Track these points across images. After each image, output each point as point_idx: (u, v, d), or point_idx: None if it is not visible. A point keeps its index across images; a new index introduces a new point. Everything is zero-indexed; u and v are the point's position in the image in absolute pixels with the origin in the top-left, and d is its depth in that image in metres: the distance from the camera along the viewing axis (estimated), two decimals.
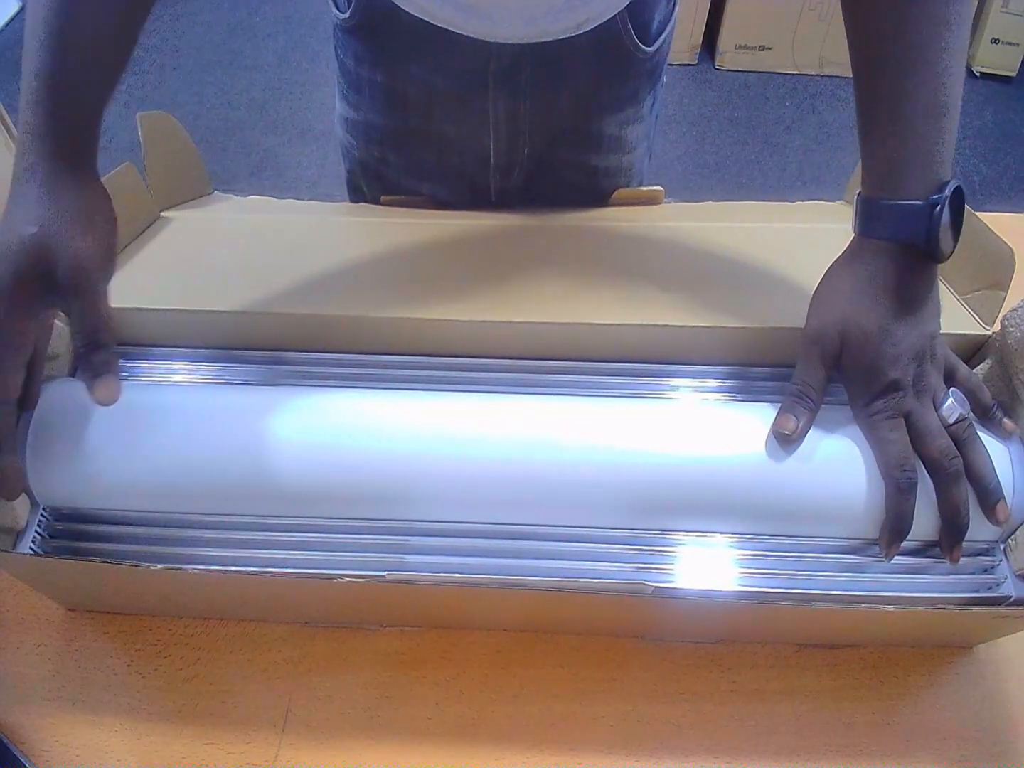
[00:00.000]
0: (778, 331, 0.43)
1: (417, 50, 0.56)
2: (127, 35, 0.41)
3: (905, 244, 0.39)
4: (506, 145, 0.61)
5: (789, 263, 0.51)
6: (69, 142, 0.39)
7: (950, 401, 0.39)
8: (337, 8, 0.59)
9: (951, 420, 0.39)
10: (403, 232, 0.56)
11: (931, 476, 0.39)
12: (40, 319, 0.38)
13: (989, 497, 0.39)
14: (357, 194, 0.71)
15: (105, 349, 0.38)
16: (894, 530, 0.39)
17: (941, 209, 0.38)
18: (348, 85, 0.63)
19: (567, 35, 0.52)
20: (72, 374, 0.46)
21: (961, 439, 0.39)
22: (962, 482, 0.39)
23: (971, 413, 0.40)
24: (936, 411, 0.39)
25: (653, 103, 0.65)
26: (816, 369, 0.41)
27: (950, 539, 0.39)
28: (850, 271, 0.42)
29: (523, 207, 0.60)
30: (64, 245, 0.37)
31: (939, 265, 0.40)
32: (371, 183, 0.68)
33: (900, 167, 0.40)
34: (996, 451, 0.41)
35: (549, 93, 0.58)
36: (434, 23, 0.52)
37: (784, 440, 0.40)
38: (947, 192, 0.38)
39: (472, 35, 0.52)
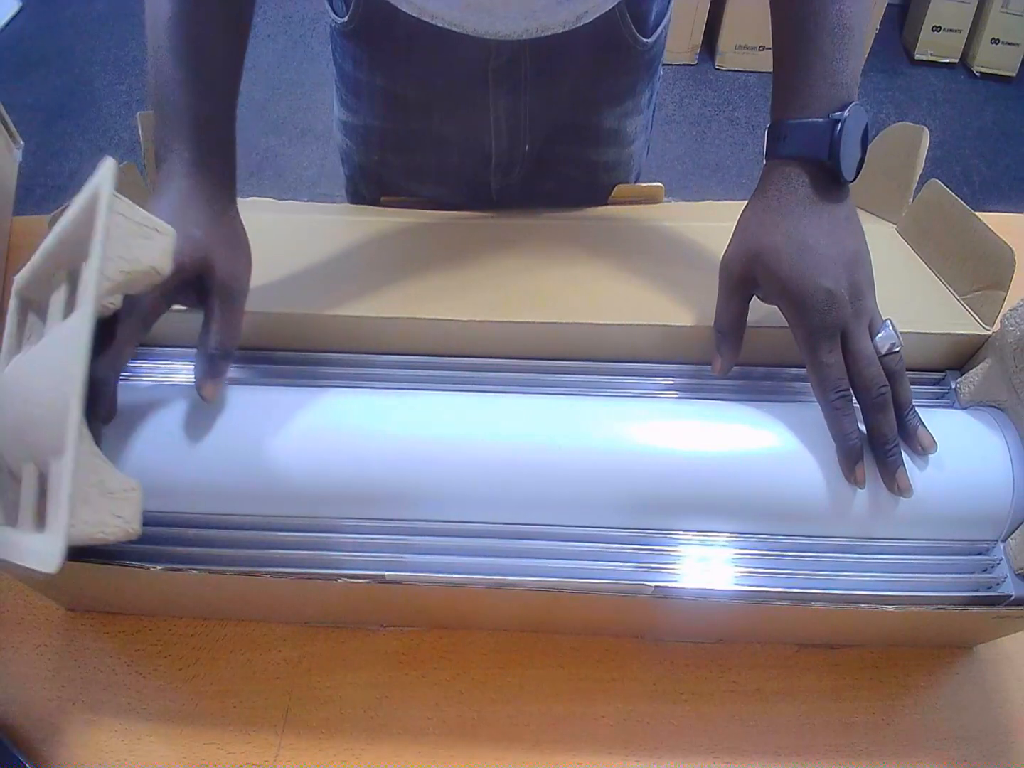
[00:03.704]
0: (778, 330, 0.43)
1: (416, 51, 0.56)
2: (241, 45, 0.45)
3: (809, 161, 0.41)
4: (507, 142, 0.61)
5: None
6: (222, 158, 0.43)
7: (887, 331, 0.39)
8: (335, 12, 0.58)
9: (884, 350, 0.39)
10: (403, 232, 0.56)
11: (858, 400, 0.39)
12: (157, 317, 0.40)
13: (909, 427, 0.40)
14: (357, 199, 0.71)
15: (230, 358, 0.41)
16: (845, 452, 0.39)
17: (843, 126, 0.39)
18: (347, 89, 0.63)
19: (567, 28, 0.52)
20: None
21: (891, 371, 0.39)
22: (889, 411, 0.39)
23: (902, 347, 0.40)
24: (871, 339, 0.39)
25: (651, 96, 0.65)
26: (727, 301, 0.43)
27: (881, 463, 0.39)
28: (759, 196, 0.42)
29: (524, 205, 0.60)
30: (224, 256, 0.41)
31: (850, 186, 0.41)
32: (371, 187, 0.68)
33: (804, 87, 0.41)
34: (996, 448, 0.41)
35: (549, 88, 0.58)
36: (433, 23, 0.52)
37: (717, 376, 0.43)
38: (848, 112, 0.39)
39: (471, 33, 0.52)
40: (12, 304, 0.39)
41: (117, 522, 0.29)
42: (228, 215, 0.44)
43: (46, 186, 1.71)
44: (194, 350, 0.48)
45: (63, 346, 0.31)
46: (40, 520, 0.31)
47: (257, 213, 0.58)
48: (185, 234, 0.38)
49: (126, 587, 0.43)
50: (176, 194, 0.41)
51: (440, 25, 0.52)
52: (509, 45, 0.53)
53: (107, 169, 0.29)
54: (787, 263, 0.39)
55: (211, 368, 0.40)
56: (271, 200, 0.61)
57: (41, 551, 0.27)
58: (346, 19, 0.57)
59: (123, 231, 0.29)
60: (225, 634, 0.46)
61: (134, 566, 0.37)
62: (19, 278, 0.39)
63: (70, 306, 0.35)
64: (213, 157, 0.43)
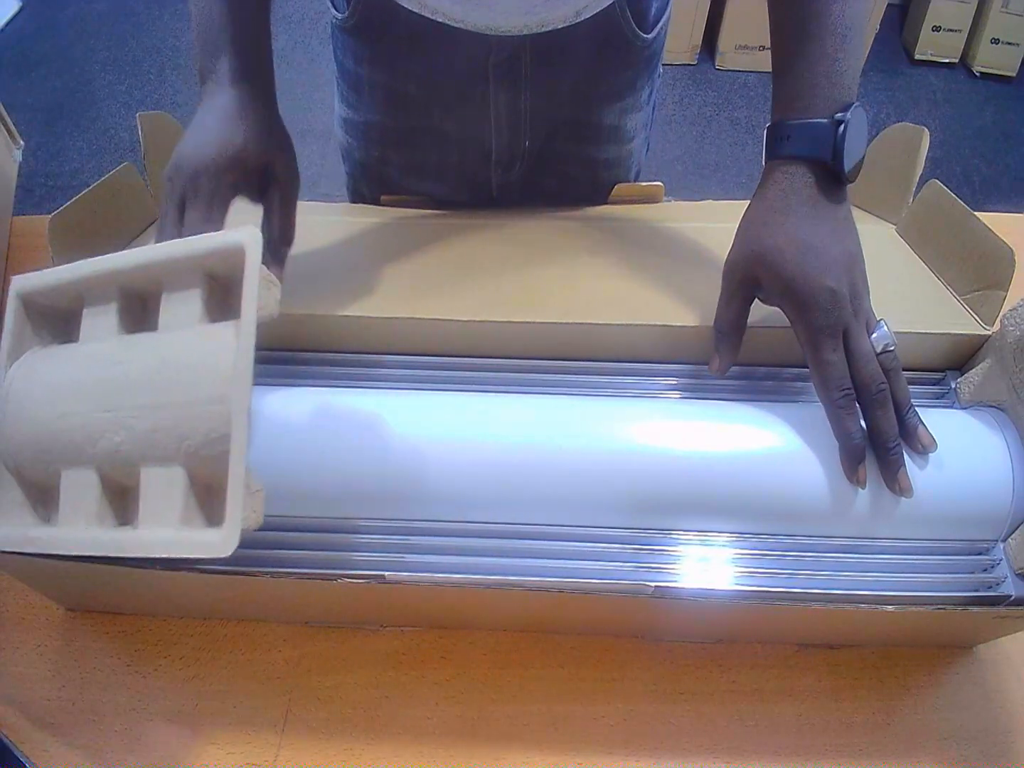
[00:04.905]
0: (779, 330, 0.43)
1: (416, 47, 0.56)
2: None
3: (812, 162, 0.41)
4: (507, 138, 0.61)
5: None
6: (262, 69, 0.46)
7: (882, 331, 0.40)
8: (335, 8, 0.59)
9: (879, 349, 0.40)
10: (403, 232, 0.56)
11: (858, 398, 0.39)
12: (228, 205, 0.43)
13: (909, 425, 0.40)
14: (358, 197, 0.71)
15: (289, 247, 0.46)
16: (848, 451, 0.39)
17: (846, 127, 0.39)
18: (347, 86, 0.63)
19: (567, 23, 0.52)
20: None
21: (888, 369, 0.40)
22: (889, 408, 0.39)
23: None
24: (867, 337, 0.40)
25: (651, 93, 0.65)
26: (728, 301, 0.43)
27: (882, 462, 0.39)
28: (761, 197, 0.43)
29: (524, 202, 0.60)
30: (280, 155, 0.45)
31: (850, 186, 0.41)
32: (372, 184, 0.68)
33: (807, 88, 0.41)
34: (996, 448, 0.41)
35: (549, 83, 0.58)
36: (433, 18, 0.52)
37: (714, 375, 0.44)
38: (851, 113, 0.40)
39: (471, 28, 0.52)
40: (13, 305, 0.39)
41: (253, 515, 0.33)
42: (276, 120, 0.46)
43: (46, 186, 1.71)
44: None
45: (191, 371, 0.35)
46: (186, 516, 0.35)
47: None
48: (245, 134, 0.43)
49: (126, 587, 0.43)
50: (227, 102, 0.44)
51: (440, 20, 0.52)
52: (509, 41, 0.53)
53: (253, 236, 0.34)
54: (791, 263, 0.39)
55: (274, 255, 0.44)
56: None
57: (210, 542, 0.33)
58: (346, 15, 0.57)
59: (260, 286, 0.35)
60: (225, 634, 0.46)
61: (134, 566, 0.37)
62: (25, 282, 0.39)
63: (129, 322, 0.38)
64: (254, 69, 0.45)
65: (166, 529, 0.34)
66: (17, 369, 0.39)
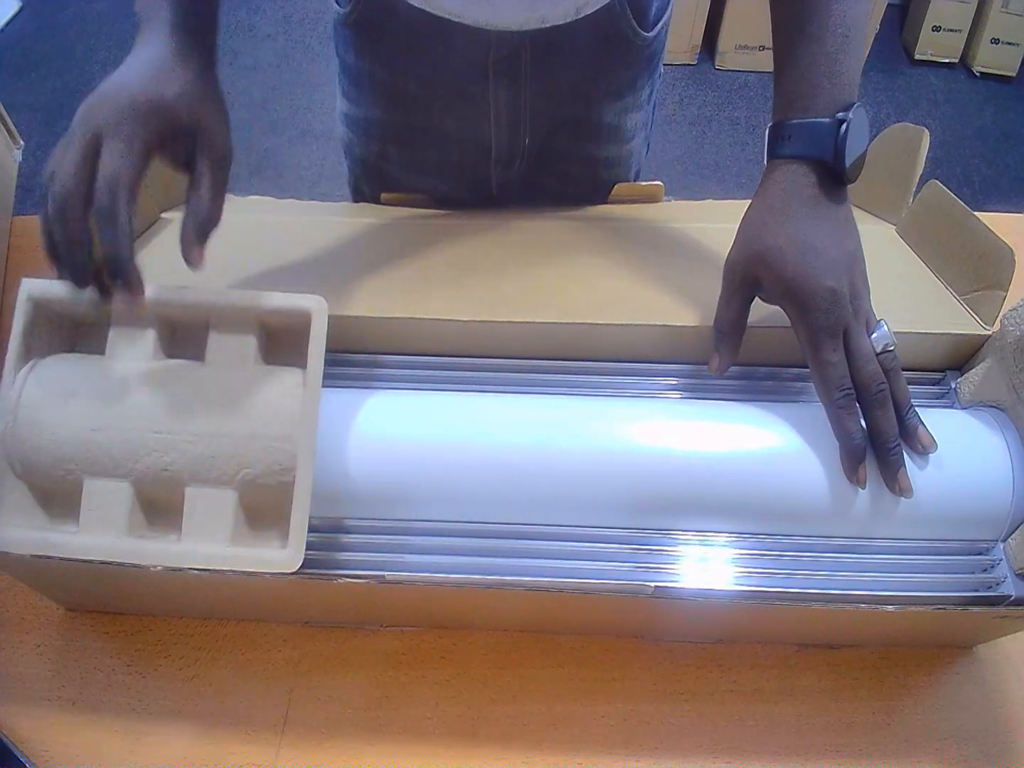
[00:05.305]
0: (779, 330, 0.43)
1: (417, 43, 0.56)
2: None
3: (813, 162, 0.41)
4: (507, 136, 0.61)
5: None
6: (204, 20, 0.43)
7: (882, 331, 0.40)
8: (337, 3, 0.59)
9: (879, 349, 0.40)
10: (403, 232, 0.56)
11: (858, 398, 0.39)
12: (151, 156, 0.38)
13: (909, 426, 0.40)
14: (359, 195, 0.71)
15: (217, 224, 0.39)
16: (848, 451, 0.39)
17: (847, 127, 0.39)
18: (348, 81, 0.63)
19: (567, 20, 0.52)
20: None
21: (887, 369, 0.40)
22: (889, 408, 0.39)
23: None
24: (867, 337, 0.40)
25: (651, 92, 0.65)
26: (728, 301, 0.43)
27: (882, 463, 0.39)
28: (761, 197, 0.43)
29: (524, 200, 0.60)
30: (214, 117, 0.40)
31: (850, 186, 0.41)
32: (372, 180, 0.68)
33: (808, 88, 0.41)
34: (996, 448, 0.41)
35: (549, 81, 0.58)
36: (434, 13, 0.52)
37: (714, 375, 0.44)
38: (852, 113, 0.40)
39: (472, 24, 0.52)
40: (24, 308, 0.40)
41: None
42: (212, 76, 0.42)
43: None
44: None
45: (256, 408, 0.38)
46: (235, 535, 0.38)
47: (257, 213, 0.59)
48: (178, 86, 0.39)
49: (126, 587, 0.43)
50: (163, 51, 0.40)
51: (440, 15, 0.52)
52: (509, 38, 0.53)
53: (319, 304, 0.39)
54: (791, 264, 0.40)
55: (200, 233, 0.38)
56: (271, 200, 0.61)
57: (275, 559, 0.37)
58: (348, 9, 0.57)
59: None
60: (225, 634, 0.46)
61: (134, 566, 0.37)
62: (41, 287, 0.40)
63: (163, 348, 0.41)
64: (197, 24, 0.42)
65: (216, 545, 0.37)
66: (29, 374, 0.39)
